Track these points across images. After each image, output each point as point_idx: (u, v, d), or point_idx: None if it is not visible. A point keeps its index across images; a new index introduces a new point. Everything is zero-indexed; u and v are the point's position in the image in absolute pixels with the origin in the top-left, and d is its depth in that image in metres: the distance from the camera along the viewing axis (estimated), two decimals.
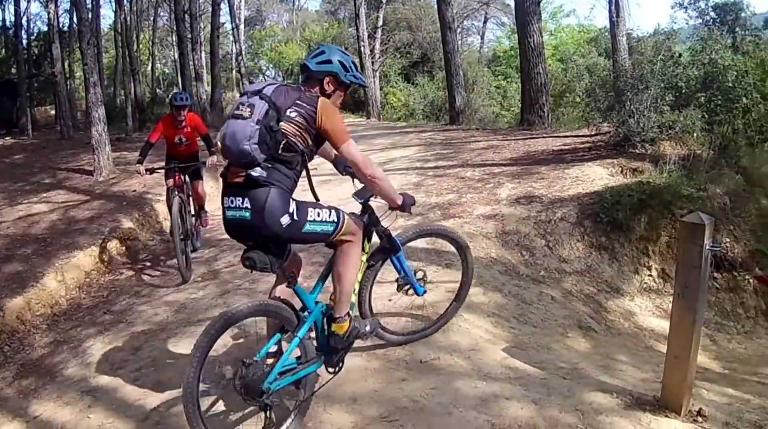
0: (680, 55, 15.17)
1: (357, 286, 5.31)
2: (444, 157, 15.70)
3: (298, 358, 4.90)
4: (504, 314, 7.07)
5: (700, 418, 5.06)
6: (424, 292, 6.06)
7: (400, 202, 5.28)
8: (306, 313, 4.95)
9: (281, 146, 4.51)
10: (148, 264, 10.62)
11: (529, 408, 4.99)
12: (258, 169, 4.43)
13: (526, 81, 20.00)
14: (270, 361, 4.72)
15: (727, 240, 10.47)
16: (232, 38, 41.51)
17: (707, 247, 4.80)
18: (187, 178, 10.27)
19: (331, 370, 5.09)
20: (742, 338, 9.64)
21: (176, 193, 9.61)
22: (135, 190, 13.81)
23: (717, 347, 9.03)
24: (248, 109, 4.47)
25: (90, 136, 15.92)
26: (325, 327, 5.08)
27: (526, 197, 11.05)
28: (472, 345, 6.11)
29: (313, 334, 5.04)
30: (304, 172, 4.84)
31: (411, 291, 5.93)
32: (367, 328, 5.36)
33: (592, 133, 15.26)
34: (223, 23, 39.79)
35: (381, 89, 36.09)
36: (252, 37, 60.08)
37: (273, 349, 4.81)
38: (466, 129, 21.56)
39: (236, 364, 4.94)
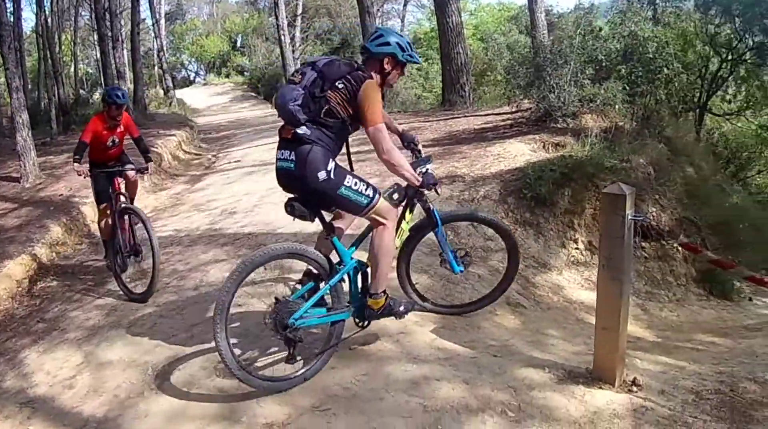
0: (600, 29, 15.08)
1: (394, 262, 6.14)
2: (364, 141, 15.41)
3: (328, 305, 5.42)
4: (431, 295, 6.94)
5: (635, 388, 5.10)
6: (461, 271, 6.29)
7: (419, 183, 5.57)
8: (341, 266, 5.45)
9: (323, 111, 5.09)
10: (78, 268, 10.20)
11: (460, 388, 4.96)
12: (304, 127, 5.07)
13: (446, 62, 19.86)
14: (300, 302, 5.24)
15: (653, 209, 10.53)
16: (153, 34, 40.78)
17: (629, 217, 4.84)
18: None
19: (358, 322, 5.59)
20: (674, 306, 9.75)
21: (122, 202, 8.52)
22: (62, 195, 13.31)
23: (649, 316, 9.08)
24: (299, 76, 5.20)
25: (15, 143, 15.29)
26: (358, 281, 5.59)
27: (449, 177, 10.93)
28: (400, 328, 6.04)
29: (346, 287, 5.55)
30: None
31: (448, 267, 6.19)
32: (401, 309, 5.66)
33: (514, 110, 15.23)
34: (144, 19, 39.24)
35: None
36: (173, 32, 59.40)
37: (306, 294, 5.37)
38: (389, 112, 21.04)
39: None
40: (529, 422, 4.60)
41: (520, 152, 11.81)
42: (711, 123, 24.71)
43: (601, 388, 5.04)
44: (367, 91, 5.07)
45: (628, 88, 13.11)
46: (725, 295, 10.96)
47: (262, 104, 32.83)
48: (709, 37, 21.29)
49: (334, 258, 5.50)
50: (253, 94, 38.23)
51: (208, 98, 36.56)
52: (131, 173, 8.80)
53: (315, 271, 5.47)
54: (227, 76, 46.20)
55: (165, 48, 41.24)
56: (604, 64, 13.60)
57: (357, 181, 5.20)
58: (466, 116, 16.98)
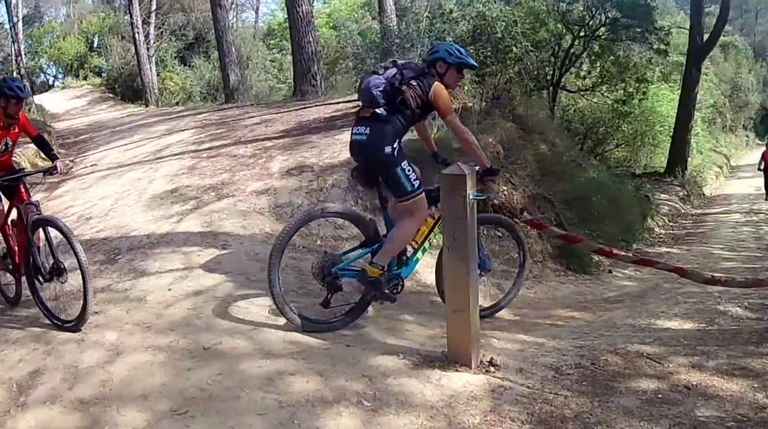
0: (451, 11, 14.94)
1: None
2: (218, 136, 15.26)
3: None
4: (284, 288, 6.61)
5: (492, 368, 5.21)
6: (489, 269, 7.21)
7: (489, 165, 6.37)
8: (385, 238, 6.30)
9: (398, 100, 6.02)
10: None
11: (315, 381, 4.94)
12: (381, 109, 6.03)
13: (297, 51, 19.58)
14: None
15: (505, 188, 10.50)
16: (10, 38, 39.37)
17: (470, 197, 4.93)
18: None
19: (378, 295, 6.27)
20: (532, 283, 9.83)
21: (34, 213, 6.78)
22: None
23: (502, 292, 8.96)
24: (383, 70, 6.23)
25: None
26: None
27: (298, 168, 10.71)
28: (253, 324, 5.98)
29: None
30: None
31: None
32: (386, 292, 6.27)
33: None
34: (1, 23, 37.89)
35: (158, 75, 35.05)
36: (31, 35, 57.63)
37: (351, 253, 6.42)
38: (241, 106, 21.15)
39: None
40: (386, 410, 4.59)
41: None
42: (567, 100, 25.10)
43: (457, 370, 5.11)
44: (437, 90, 6.10)
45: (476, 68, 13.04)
46: (584, 269, 11.15)
47: (119, 105, 32.10)
48: (560, 14, 21.49)
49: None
50: (111, 95, 37.35)
51: (66, 102, 35.56)
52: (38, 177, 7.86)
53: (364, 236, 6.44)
54: (85, 78, 45.04)
55: (23, 52, 39.83)
56: None
57: (413, 169, 6.15)
58: (317, 106, 16.74)
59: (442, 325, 5.98)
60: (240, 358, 5.29)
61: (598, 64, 23.13)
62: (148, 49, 32.95)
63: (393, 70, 6.17)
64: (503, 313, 7.89)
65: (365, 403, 4.64)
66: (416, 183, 6.09)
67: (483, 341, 5.68)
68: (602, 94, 24.37)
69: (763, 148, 26.14)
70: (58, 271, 6.53)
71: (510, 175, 10.89)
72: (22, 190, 7.05)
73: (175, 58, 36.54)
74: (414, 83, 6.08)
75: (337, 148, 11.35)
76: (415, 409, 4.60)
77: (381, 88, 6.08)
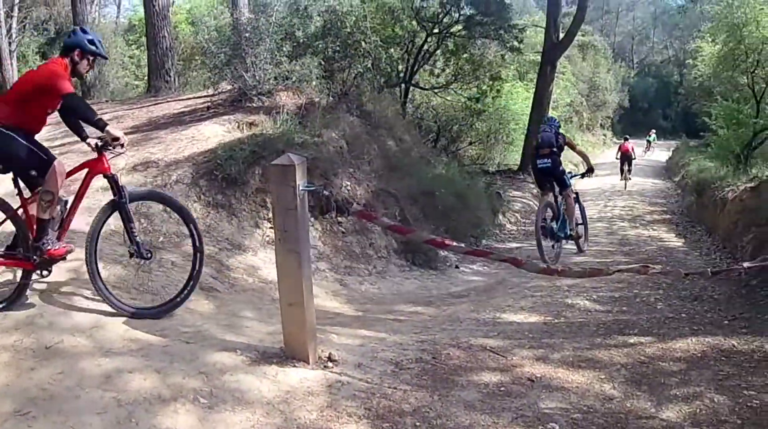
0: (306, 8, 14.93)
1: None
2: (68, 134, 14.79)
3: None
4: (124, 286, 6.79)
5: (330, 363, 5.24)
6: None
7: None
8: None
9: (558, 145, 12.22)
10: None
11: (152, 378, 4.83)
12: (554, 149, 12.07)
13: (151, 46, 19.22)
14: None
15: (348, 183, 10.53)
16: None
17: (300, 188, 4.85)
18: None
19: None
20: (375, 278, 9.91)
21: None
22: None
23: (348, 291, 9.17)
24: (547, 128, 12.57)
25: None
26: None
27: (143, 164, 10.56)
28: (94, 322, 5.73)
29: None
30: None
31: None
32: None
33: (214, 93, 14.83)
34: None
35: (19, 71, 34.06)
36: None
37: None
38: (96, 102, 20.37)
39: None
40: (222, 407, 4.57)
41: (214, 134, 11.59)
42: (420, 98, 25.26)
43: (294, 366, 5.10)
44: (566, 138, 12.71)
45: (324, 63, 13.07)
46: (429, 264, 11.25)
47: None
48: (414, 11, 21.65)
49: None
50: None
51: None
52: None
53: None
54: None
55: None
56: (301, 40, 13.50)
57: (568, 174, 12.45)
58: (168, 101, 16.41)
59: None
60: (80, 357, 5.13)
61: (452, 62, 23.41)
62: (10, 43, 32.07)
63: (551, 130, 12.47)
64: (345, 309, 8.04)
65: (202, 400, 4.62)
66: (570, 181, 12.54)
67: (322, 336, 5.70)
68: (456, 92, 24.65)
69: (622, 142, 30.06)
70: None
71: (353, 169, 10.95)
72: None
73: (37, 53, 35.59)
74: (559, 138, 12.42)
75: (183, 143, 11.24)
76: (251, 405, 4.61)
77: (552, 139, 12.23)
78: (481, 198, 16.45)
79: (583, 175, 13.14)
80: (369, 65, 14.15)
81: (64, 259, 6.24)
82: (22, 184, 5.99)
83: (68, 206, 6.19)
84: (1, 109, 5.81)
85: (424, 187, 12.78)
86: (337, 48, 13.29)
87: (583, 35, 47.52)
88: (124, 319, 5.90)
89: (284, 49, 13.14)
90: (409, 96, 23.28)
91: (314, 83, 13.02)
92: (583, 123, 51.62)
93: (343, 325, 6.81)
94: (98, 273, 6.01)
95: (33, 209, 5.91)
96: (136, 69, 32.77)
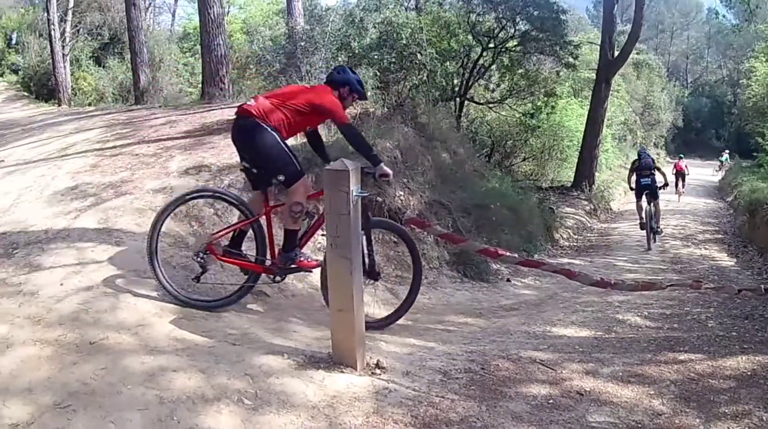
0: (361, 20, 14.98)
1: None
2: (123, 136, 15.07)
3: None
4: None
5: (378, 370, 5.20)
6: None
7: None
8: None
9: (653, 167, 17.28)
10: None
11: (196, 378, 4.86)
12: (652, 170, 17.22)
13: (206, 54, 19.29)
14: None
15: (401, 193, 10.46)
16: None
17: (354, 193, 4.88)
18: None
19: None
20: (426, 289, 9.75)
21: None
22: None
23: (399, 300, 8.84)
24: (646, 155, 17.88)
25: None
26: None
27: (196, 167, 10.60)
28: (139, 320, 5.81)
29: None
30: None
31: None
32: None
33: None
34: None
35: (72, 74, 34.46)
36: None
37: None
38: (150, 107, 20.82)
39: None
40: (266, 409, 4.57)
41: None
42: (475, 112, 25.24)
43: (342, 372, 5.10)
44: (655, 161, 18.00)
45: (380, 74, 13.05)
46: (480, 277, 11.17)
47: (33, 104, 31.45)
48: (470, 25, 21.63)
49: None
50: (26, 93, 36.62)
51: None
52: None
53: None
54: (2, 75, 44.22)
55: None
56: (357, 50, 13.52)
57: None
58: (222, 108, 16.53)
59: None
60: (124, 354, 5.17)
61: (507, 77, 23.37)
62: (63, 47, 32.41)
63: (647, 156, 17.02)
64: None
65: (246, 401, 4.61)
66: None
67: (371, 344, 5.68)
68: (511, 107, 24.62)
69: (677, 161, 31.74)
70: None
71: (407, 180, 10.95)
72: None
73: (90, 58, 35.99)
74: (652, 159, 16.64)
75: (235, 149, 11.19)
76: (296, 408, 4.58)
77: (652, 163, 16.84)
78: (534, 213, 16.37)
79: (661, 187, 18.00)
80: (424, 78, 14.15)
81: (310, 271, 7.17)
82: (268, 192, 6.66)
83: (311, 222, 6.80)
84: (273, 112, 6.29)
85: (477, 200, 12.73)
86: (393, 59, 13.29)
87: (637, 53, 47.20)
88: (171, 318, 5.97)
89: (340, 58, 13.16)
90: (464, 110, 23.34)
91: (369, 93, 12.97)
92: (637, 142, 51.30)
93: (391, 333, 6.76)
94: None
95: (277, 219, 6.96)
96: (190, 77, 33.02)
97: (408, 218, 7.05)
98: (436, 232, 7.57)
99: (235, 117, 6.58)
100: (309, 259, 6.77)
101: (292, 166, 6.31)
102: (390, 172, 6.41)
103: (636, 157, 18.03)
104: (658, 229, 17.71)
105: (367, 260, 6.21)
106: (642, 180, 17.25)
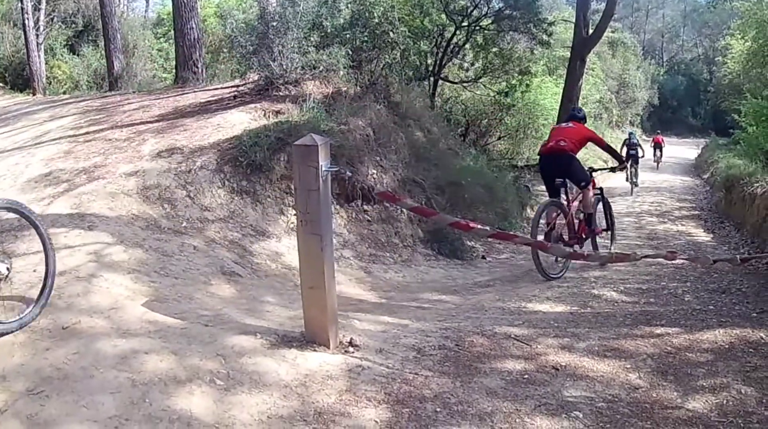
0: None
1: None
2: (96, 122, 15.01)
3: None
4: (144, 269, 6.80)
5: (351, 348, 5.25)
6: None
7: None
8: None
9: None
10: None
11: (168, 360, 4.87)
12: (638, 147, 25.16)
13: (179, 38, 19.24)
14: None
15: (374, 171, 10.48)
16: None
17: (323, 169, 4.85)
18: None
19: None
20: (400, 267, 9.92)
21: None
22: None
23: (373, 278, 9.17)
24: (634, 136, 24.57)
25: None
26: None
27: (168, 150, 10.54)
28: (112, 304, 5.79)
29: None
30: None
31: None
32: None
33: (241, 83, 14.86)
34: None
35: (47, 63, 34.25)
36: None
37: None
38: (123, 93, 20.78)
39: None
40: (238, 389, 4.59)
41: (239, 121, 11.56)
42: (449, 92, 25.25)
43: (315, 350, 5.12)
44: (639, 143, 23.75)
45: (352, 53, 13.03)
46: (455, 254, 11.23)
47: (8, 94, 31.11)
48: (443, 4, 21.61)
49: None
50: (1, 84, 36.50)
51: None
52: None
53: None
54: None
55: None
56: (329, 30, 13.47)
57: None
58: (195, 92, 16.49)
59: None
60: (96, 338, 5.15)
61: (481, 56, 23.38)
62: (37, 36, 32.21)
63: (634, 136, 23.67)
64: (369, 296, 8.01)
65: (218, 381, 4.63)
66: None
67: (344, 322, 5.72)
68: (485, 86, 24.63)
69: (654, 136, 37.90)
70: None
71: (380, 158, 10.97)
72: None
73: (65, 46, 35.73)
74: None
75: (208, 130, 11.23)
76: (268, 388, 4.60)
77: (637, 142, 23.69)
78: (509, 191, 16.34)
79: (642, 156, 24.55)
80: (397, 57, 14.10)
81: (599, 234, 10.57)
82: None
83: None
84: (573, 147, 9.50)
85: (452, 178, 12.74)
86: (365, 38, 13.24)
87: (612, 32, 47.41)
88: (143, 300, 5.96)
89: (312, 38, 13.13)
90: (438, 89, 23.35)
91: (342, 73, 13.02)
92: (613, 120, 51.52)
93: (365, 311, 6.80)
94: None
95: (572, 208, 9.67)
96: (164, 62, 32.88)
97: (378, 192, 7.03)
98: (406, 206, 7.58)
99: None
100: (599, 228, 10.46)
101: (586, 176, 9.81)
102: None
103: (627, 137, 25.09)
104: (637, 183, 25.50)
105: None
106: (630, 151, 23.76)
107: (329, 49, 12.95)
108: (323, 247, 4.94)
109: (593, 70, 39.70)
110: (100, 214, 7.96)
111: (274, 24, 13.12)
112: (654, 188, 26.94)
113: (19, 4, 31.35)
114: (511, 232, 9.49)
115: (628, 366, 5.22)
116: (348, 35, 13.32)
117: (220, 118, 12.01)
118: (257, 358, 4.94)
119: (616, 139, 45.11)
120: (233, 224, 9.05)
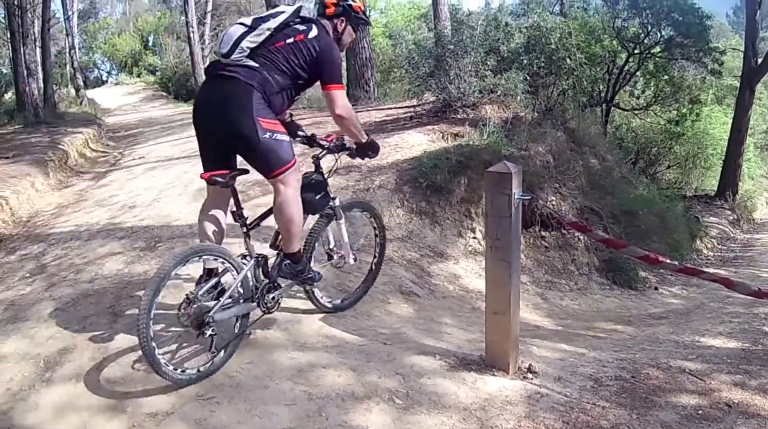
0: (507, 24, 14.93)
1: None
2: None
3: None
4: (322, 285, 6.72)
5: (530, 375, 5.11)
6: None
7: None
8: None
9: None
10: None
11: (346, 375, 4.93)
12: None
13: (351, 57, 19.57)
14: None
15: (553, 198, 10.45)
16: (65, 31, 39.60)
17: (516, 196, 4.75)
18: None
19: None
20: (576, 295, 9.79)
21: None
22: None
23: (549, 305, 9.07)
24: None
25: None
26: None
27: (345, 167, 10.63)
28: (289, 317, 5.96)
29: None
30: None
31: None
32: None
33: (416, 103, 14.97)
34: (56, 15, 38.12)
35: None
36: (86, 31, 57.99)
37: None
38: (294, 109, 20.78)
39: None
40: (417, 409, 4.55)
41: (417, 142, 11.64)
42: (620, 119, 25.03)
43: (494, 375, 5.03)
44: None
45: (529, 78, 13.01)
46: (629, 284, 11.00)
47: (171, 103, 32.41)
48: (615, 30, 21.43)
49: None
50: (164, 93, 37.69)
51: (119, 98, 35.95)
52: None
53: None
54: (139, 75, 45.41)
55: (77, 46, 40.04)
56: (505, 55, 13.49)
57: None
58: (368, 110, 16.72)
59: (483, 330, 5.84)
60: (272, 349, 5.33)
61: (653, 83, 23.07)
62: (202, 49, 33.21)
63: None
64: (545, 323, 7.91)
65: (397, 400, 4.63)
66: None
67: (522, 348, 5.63)
68: (655, 114, 24.29)
69: None
70: None
71: (559, 185, 10.91)
72: None
73: None
74: None
75: (386, 150, 11.22)
76: (447, 410, 4.56)
77: None
78: (680, 221, 16.01)
79: None
80: (572, 83, 13.99)
81: None
82: None
83: None
84: None
85: (626, 207, 12.53)
86: (542, 64, 13.18)
87: None
88: (321, 315, 6.08)
89: (488, 62, 13.15)
90: (610, 116, 23.12)
91: (519, 98, 12.98)
92: None
93: (543, 337, 6.72)
94: None
95: None
96: None
97: (570, 222, 6.96)
98: (597, 237, 7.47)
99: None
100: None
101: None
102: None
103: None
104: None
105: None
106: None
107: (507, 74, 12.93)
108: (511, 274, 4.88)
109: (760, 100, 38.58)
110: (273, 227, 8.15)
111: (451, 47, 13.20)
112: None
113: (183, 18, 32.30)
114: (696, 267, 9.25)
115: None
116: (524, 60, 13.29)
117: (397, 137, 12.10)
118: (436, 379, 4.92)
119: None
120: (411, 244, 9.07)
